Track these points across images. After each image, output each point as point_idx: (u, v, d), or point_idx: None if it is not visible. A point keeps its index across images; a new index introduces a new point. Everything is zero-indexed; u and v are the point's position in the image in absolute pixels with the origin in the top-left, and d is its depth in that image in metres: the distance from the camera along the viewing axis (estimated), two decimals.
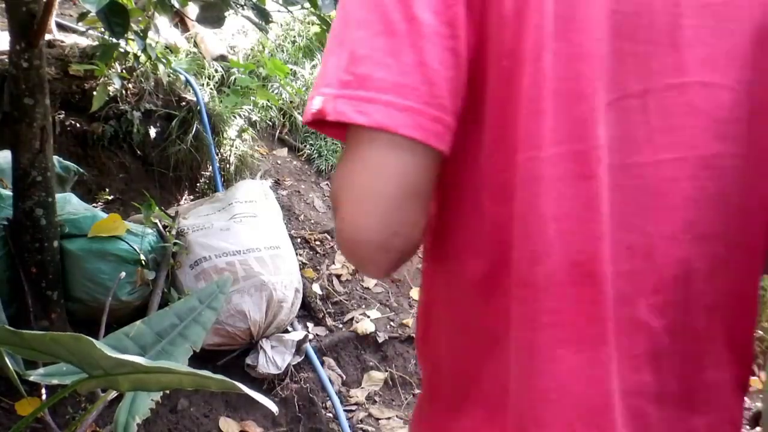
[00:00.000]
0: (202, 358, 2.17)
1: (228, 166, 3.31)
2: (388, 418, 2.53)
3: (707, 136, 0.57)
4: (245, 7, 2.11)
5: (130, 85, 3.06)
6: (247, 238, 2.51)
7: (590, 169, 0.54)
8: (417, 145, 0.52)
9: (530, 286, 0.55)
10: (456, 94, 0.53)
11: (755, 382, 3.54)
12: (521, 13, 0.52)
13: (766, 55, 0.57)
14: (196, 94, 3.15)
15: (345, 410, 2.49)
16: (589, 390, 0.55)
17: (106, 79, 2.75)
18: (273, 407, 1.06)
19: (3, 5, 2.52)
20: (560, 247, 0.54)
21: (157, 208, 2.49)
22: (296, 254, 2.84)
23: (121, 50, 2.59)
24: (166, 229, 2.44)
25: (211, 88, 3.43)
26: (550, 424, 0.56)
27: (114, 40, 2.37)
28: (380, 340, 2.78)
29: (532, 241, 0.54)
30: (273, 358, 2.41)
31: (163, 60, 2.84)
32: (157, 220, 2.44)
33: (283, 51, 4.13)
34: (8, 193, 2.12)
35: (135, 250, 2.24)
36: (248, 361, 2.41)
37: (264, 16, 2.11)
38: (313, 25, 3.96)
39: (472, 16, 0.53)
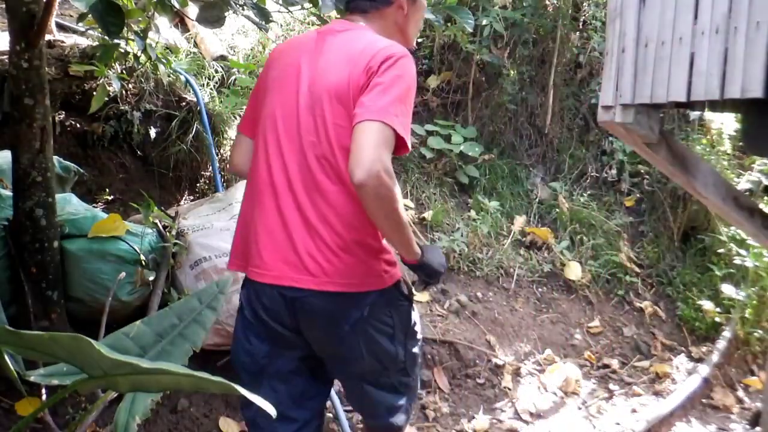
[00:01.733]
0: (202, 358, 2.17)
1: (228, 166, 3.30)
2: None
3: (316, 146, 1.58)
4: (245, 7, 2.11)
5: (130, 86, 3.06)
6: None
7: (266, 147, 1.64)
8: (241, 133, 1.81)
9: (256, 184, 1.66)
10: (255, 116, 1.73)
11: (755, 383, 3.51)
12: (269, 90, 1.70)
13: (333, 107, 1.56)
14: (196, 94, 3.15)
15: (345, 410, 2.49)
16: (270, 213, 1.62)
17: (106, 79, 2.75)
18: (271, 410, 1.06)
19: (3, 5, 2.52)
20: (263, 172, 1.63)
21: (156, 208, 2.49)
22: None
23: (122, 51, 2.58)
24: (166, 229, 2.44)
25: (211, 89, 3.43)
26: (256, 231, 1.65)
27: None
28: None
29: (257, 168, 1.66)
30: None
31: (163, 60, 2.84)
32: (157, 220, 2.44)
33: None
34: (8, 193, 2.12)
35: (135, 250, 2.24)
36: None
37: (264, 15, 2.11)
38: (313, 25, 3.95)
39: (259, 95, 1.76)
